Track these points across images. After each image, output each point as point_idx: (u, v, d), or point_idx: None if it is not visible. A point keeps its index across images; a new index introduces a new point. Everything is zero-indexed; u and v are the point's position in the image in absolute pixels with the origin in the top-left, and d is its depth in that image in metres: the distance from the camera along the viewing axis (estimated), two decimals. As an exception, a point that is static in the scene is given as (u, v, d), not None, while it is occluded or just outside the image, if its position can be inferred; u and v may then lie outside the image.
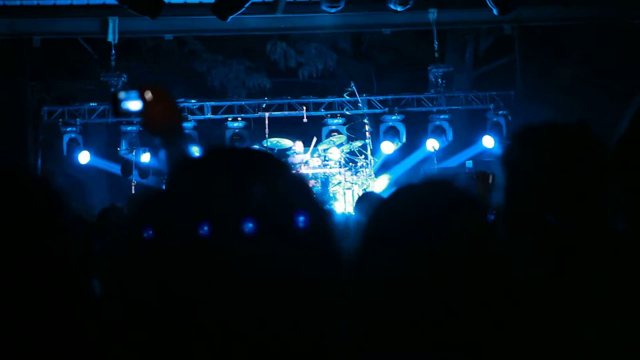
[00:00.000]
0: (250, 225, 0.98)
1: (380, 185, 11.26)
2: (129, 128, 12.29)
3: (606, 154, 1.67)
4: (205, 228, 0.98)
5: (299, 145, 11.52)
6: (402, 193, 1.45)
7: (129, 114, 2.05)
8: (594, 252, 1.57)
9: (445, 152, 12.90)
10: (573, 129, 1.72)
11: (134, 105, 2.01)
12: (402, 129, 12.85)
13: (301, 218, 1.01)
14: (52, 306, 1.24)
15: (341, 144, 11.57)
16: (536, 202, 1.64)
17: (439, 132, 12.63)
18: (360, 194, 10.09)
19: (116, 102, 2.02)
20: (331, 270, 1.05)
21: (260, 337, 0.98)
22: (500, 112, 12.88)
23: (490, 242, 1.37)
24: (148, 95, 2.00)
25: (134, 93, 2.02)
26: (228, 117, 13.04)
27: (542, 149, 1.70)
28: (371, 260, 1.36)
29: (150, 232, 1.00)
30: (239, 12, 9.54)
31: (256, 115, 12.93)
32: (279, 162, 1.12)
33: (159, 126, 2.03)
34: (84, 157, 12.30)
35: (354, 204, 5.94)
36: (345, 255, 1.11)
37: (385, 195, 1.48)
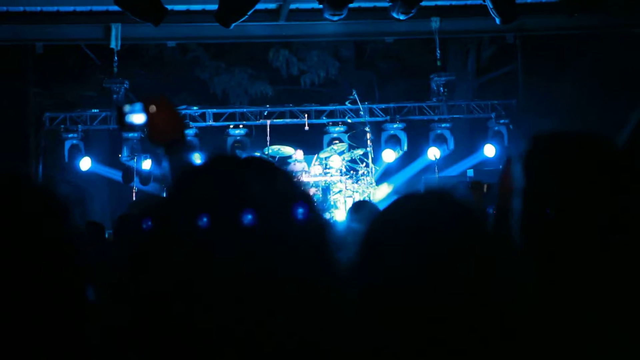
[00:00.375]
0: (250, 217, 0.98)
1: (381, 193, 11.26)
2: (131, 135, 12.30)
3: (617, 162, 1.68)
4: (208, 226, 0.99)
5: (299, 154, 11.54)
6: (402, 202, 1.45)
7: (133, 127, 2.09)
8: (595, 255, 1.57)
9: (446, 161, 12.91)
10: (596, 139, 1.71)
11: (139, 118, 2.05)
12: (403, 137, 12.87)
13: (300, 210, 1.02)
14: (52, 312, 1.25)
15: (342, 152, 11.59)
16: (552, 206, 1.63)
17: (440, 141, 12.64)
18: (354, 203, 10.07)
19: (121, 116, 2.06)
20: (328, 270, 1.05)
21: (259, 335, 0.98)
22: (501, 121, 12.92)
23: (489, 251, 1.37)
24: (152, 109, 2.03)
25: (138, 106, 2.05)
26: (230, 125, 13.08)
27: (565, 156, 1.70)
28: (370, 268, 1.36)
29: (150, 224, 1.02)
30: (242, 20, 9.54)
31: (258, 122, 12.96)
32: (277, 167, 1.13)
33: (162, 137, 2.06)
34: (85, 163, 12.32)
35: (347, 212, 5.94)
36: (343, 261, 1.11)
37: (383, 204, 1.49)
